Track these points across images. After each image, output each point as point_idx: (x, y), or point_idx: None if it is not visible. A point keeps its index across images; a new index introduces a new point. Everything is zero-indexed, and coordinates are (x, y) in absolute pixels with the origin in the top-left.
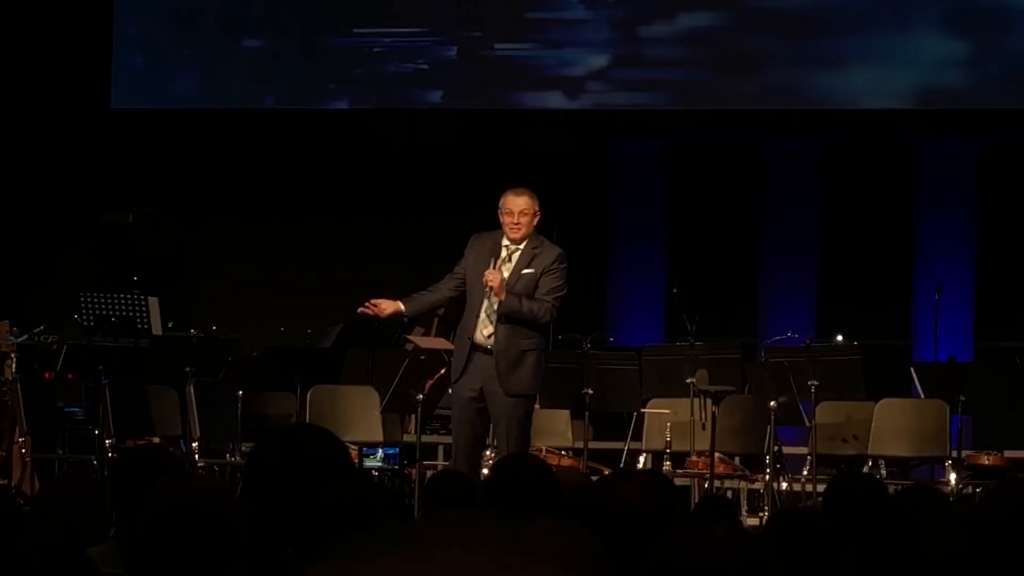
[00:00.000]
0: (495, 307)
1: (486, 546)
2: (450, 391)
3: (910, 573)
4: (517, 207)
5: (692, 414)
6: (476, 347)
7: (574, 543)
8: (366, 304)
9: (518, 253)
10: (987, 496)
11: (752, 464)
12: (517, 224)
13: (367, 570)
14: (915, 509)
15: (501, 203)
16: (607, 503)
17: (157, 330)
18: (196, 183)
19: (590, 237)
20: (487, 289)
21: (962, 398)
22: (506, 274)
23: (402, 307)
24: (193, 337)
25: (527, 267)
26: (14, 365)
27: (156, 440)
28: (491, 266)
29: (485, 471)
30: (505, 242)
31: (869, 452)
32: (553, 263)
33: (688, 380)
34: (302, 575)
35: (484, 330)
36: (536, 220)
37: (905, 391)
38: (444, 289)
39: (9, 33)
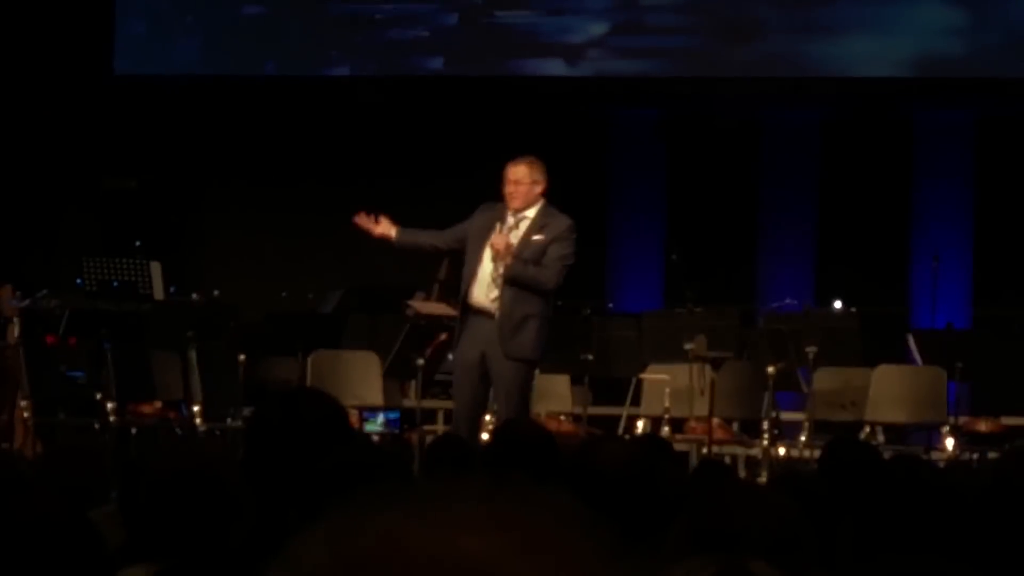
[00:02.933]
0: (500, 271)
1: (498, 503)
2: (450, 356)
3: (905, 537)
4: (513, 176)
5: (691, 380)
6: (475, 311)
7: (571, 508)
8: (361, 217)
9: (526, 222)
10: (991, 464)
11: (750, 430)
12: (512, 193)
13: (365, 528)
14: (909, 475)
15: (504, 172)
16: (594, 465)
17: (159, 295)
18: (198, 149)
19: (589, 204)
20: (494, 253)
21: (959, 365)
22: (513, 241)
23: (393, 233)
24: (195, 302)
25: (536, 235)
26: (17, 330)
27: (158, 404)
28: (497, 231)
29: (485, 436)
30: (513, 211)
31: (866, 418)
32: (563, 231)
33: (687, 346)
34: (301, 534)
35: (490, 294)
36: (539, 190)
37: (902, 358)
38: (443, 236)
39: (13, 0)
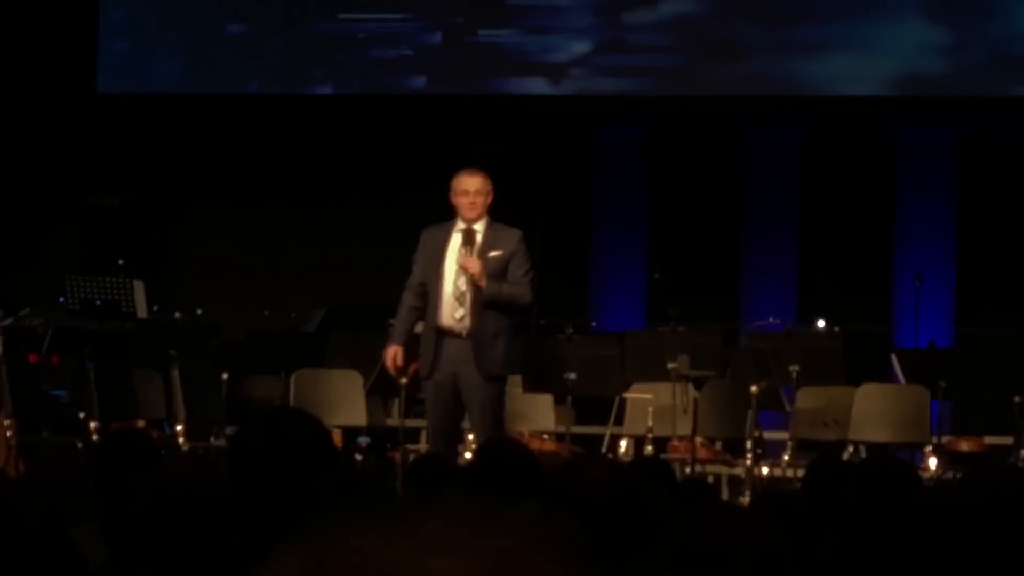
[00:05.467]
0: (463, 289)
1: (467, 524)
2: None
3: (887, 557)
4: (472, 187)
5: (674, 399)
6: (446, 332)
7: (554, 524)
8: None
9: (479, 236)
10: (960, 481)
11: (733, 449)
12: (473, 204)
13: (336, 549)
14: (888, 487)
15: (454, 184)
16: (577, 485)
17: (142, 313)
18: (181, 167)
19: (572, 222)
20: (468, 275)
21: (942, 384)
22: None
23: (401, 351)
24: (178, 320)
25: (492, 250)
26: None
27: (140, 423)
28: (464, 254)
29: (468, 455)
30: (460, 226)
31: (850, 437)
32: (519, 243)
33: (670, 365)
34: (279, 554)
35: (455, 313)
36: (489, 201)
37: (885, 376)
38: (412, 304)
39: None
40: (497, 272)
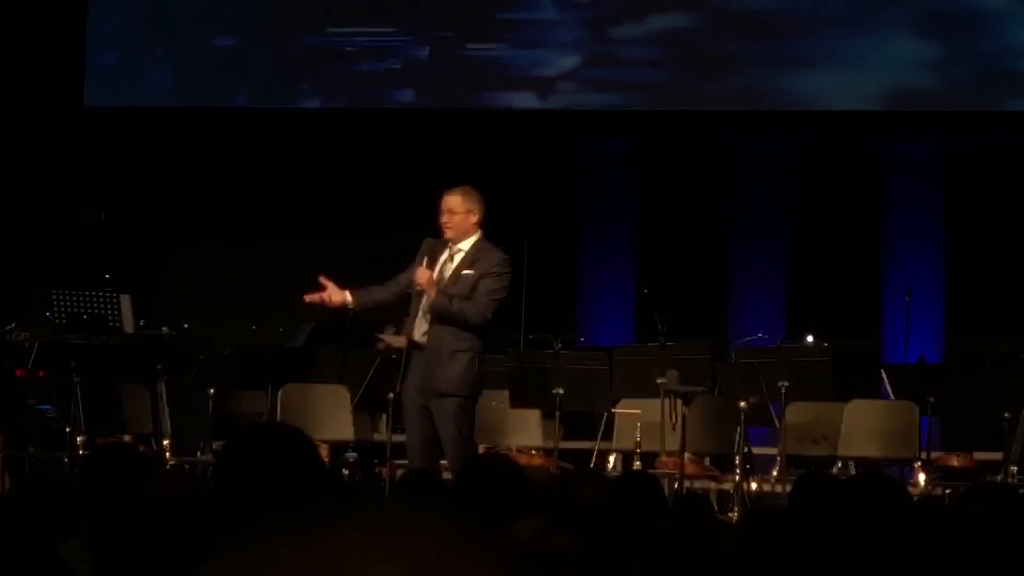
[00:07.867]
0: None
1: (393, 533)
2: None
3: (874, 571)
4: (446, 205)
5: (662, 414)
6: (415, 345)
7: (553, 541)
8: (313, 292)
9: (461, 255)
10: (956, 498)
11: (722, 464)
12: (446, 223)
13: (271, 557)
14: (876, 503)
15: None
16: (566, 500)
17: (129, 328)
18: (168, 181)
19: (560, 237)
20: (416, 287)
21: (931, 399)
22: (447, 274)
23: (350, 299)
24: (165, 335)
25: (468, 268)
26: None
27: (127, 438)
28: (424, 265)
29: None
30: (449, 244)
31: (839, 453)
32: (495, 266)
33: (658, 380)
34: (208, 563)
35: (420, 329)
36: (474, 220)
37: (875, 392)
38: (391, 289)
39: None
40: (463, 291)
